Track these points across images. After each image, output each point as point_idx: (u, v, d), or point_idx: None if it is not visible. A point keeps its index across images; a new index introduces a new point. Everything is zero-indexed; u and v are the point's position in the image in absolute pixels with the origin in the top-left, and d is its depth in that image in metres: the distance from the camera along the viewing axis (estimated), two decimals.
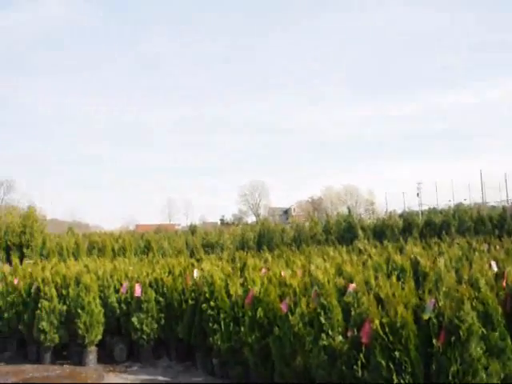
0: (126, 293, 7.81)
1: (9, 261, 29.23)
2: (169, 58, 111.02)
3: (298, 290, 5.07)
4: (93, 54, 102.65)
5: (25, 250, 29.70)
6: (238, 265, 7.51)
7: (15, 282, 8.48)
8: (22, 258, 28.66)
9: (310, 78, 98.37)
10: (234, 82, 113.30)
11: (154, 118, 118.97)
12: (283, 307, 5.01)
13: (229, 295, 6.27)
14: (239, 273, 6.97)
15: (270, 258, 8.81)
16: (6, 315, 8.27)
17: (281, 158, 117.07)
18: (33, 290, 7.99)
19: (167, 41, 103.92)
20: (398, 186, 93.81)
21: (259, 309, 5.35)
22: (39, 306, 7.56)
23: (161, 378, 6.64)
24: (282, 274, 6.35)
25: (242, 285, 6.25)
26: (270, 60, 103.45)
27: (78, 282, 7.69)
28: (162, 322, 7.35)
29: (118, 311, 7.94)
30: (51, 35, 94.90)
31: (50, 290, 7.63)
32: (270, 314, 5.36)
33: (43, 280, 7.81)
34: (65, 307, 7.68)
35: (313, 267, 5.71)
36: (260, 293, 5.41)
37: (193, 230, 47.81)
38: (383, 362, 3.63)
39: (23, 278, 8.51)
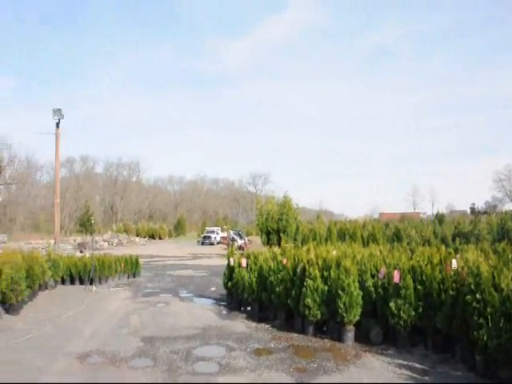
0: (384, 278, 8.00)
1: (268, 243, 33.17)
2: (402, 44, 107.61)
3: None
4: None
5: (281, 235, 33.31)
6: (510, 256, 6.83)
7: (284, 261, 9.63)
8: (279, 241, 32.19)
9: None
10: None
11: (389, 106, 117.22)
12: None
13: (496, 288, 5.83)
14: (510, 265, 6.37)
15: None
16: (277, 289, 9.51)
17: None
18: (299, 270, 8.94)
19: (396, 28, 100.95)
20: None
21: None
22: (304, 284, 8.44)
23: (417, 366, 6.57)
24: None
25: None
26: None
27: (338, 265, 8.27)
28: (420, 309, 7.28)
29: (375, 295, 8.23)
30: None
31: (314, 271, 8.43)
32: None
33: (308, 261, 8.67)
34: (326, 287, 8.37)
35: None
36: None
37: (440, 218, 45.42)
38: None
39: (290, 258, 9.55)
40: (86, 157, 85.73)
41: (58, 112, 22.58)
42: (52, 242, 24.87)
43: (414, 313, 7.28)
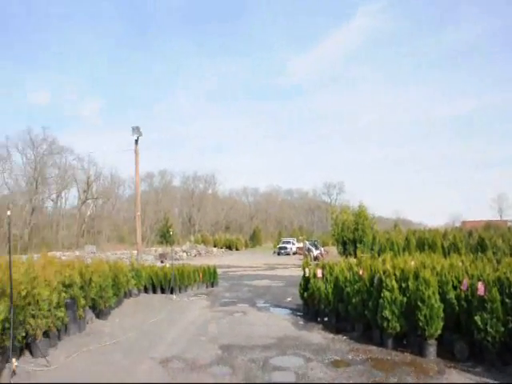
0: (467, 290, 7.62)
1: (344, 254, 32.65)
2: (475, 44, 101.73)
3: None
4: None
5: (358, 245, 32.64)
6: None
7: (360, 272, 9.47)
8: (355, 251, 31.57)
9: None
10: None
11: (466, 109, 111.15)
12: None
13: None
14: None
15: None
16: (353, 300, 9.37)
17: None
18: (375, 281, 8.75)
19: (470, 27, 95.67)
20: None
21: None
22: (382, 295, 8.24)
23: None
24: None
25: None
26: None
27: (416, 276, 7.99)
28: (510, 325, 6.81)
29: (458, 308, 7.82)
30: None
31: (391, 282, 8.21)
32: None
33: (384, 272, 8.47)
34: (405, 299, 8.10)
35: None
36: None
37: None
38: None
39: (366, 269, 9.38)
40: (164, 171, 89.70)
41: (136, 130, 23.70)
42: (135, 252, 26.16)
43: (503, 328, 6.80)
